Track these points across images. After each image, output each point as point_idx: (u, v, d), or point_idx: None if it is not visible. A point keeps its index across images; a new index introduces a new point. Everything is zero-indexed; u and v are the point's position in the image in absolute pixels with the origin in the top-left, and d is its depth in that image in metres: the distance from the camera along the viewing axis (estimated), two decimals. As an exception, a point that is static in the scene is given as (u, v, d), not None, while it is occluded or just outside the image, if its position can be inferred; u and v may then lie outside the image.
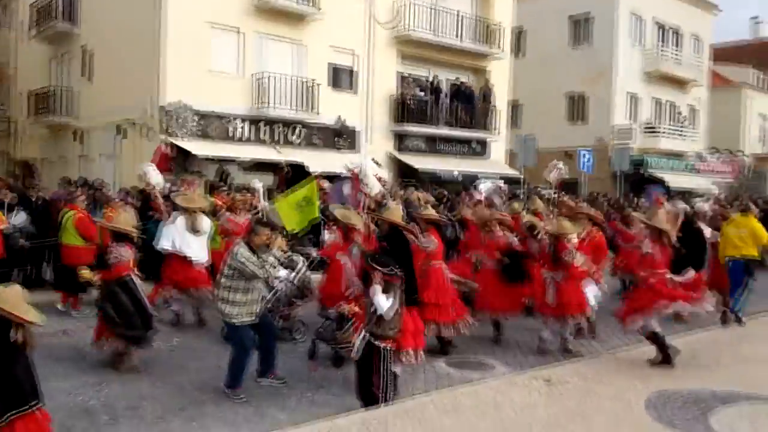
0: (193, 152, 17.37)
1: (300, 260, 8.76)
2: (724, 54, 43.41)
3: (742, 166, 36.56)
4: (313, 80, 20.06)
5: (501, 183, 12.67)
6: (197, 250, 9.46)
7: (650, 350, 8.37)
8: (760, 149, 39.10)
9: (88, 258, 9.68)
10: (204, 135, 18.12)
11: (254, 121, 19.15)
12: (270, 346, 6.96)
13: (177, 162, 17.55)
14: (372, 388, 5.86)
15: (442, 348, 8.21)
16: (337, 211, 9.20)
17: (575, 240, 8.71)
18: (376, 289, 5.78)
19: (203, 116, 18.10)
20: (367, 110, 21.88)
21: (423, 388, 6.89)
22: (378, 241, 7.05)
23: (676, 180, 30.43)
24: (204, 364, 7.57)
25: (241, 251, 6.53)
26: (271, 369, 6.97)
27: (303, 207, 9.64)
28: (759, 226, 10.29)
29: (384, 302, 5.72)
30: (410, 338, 6.48)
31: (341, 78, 21.49)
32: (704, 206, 13.00)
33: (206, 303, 9.24)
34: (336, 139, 20.96)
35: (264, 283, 7.58)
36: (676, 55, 33.02)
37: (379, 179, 8.03)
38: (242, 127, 18.95)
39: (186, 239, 9.37)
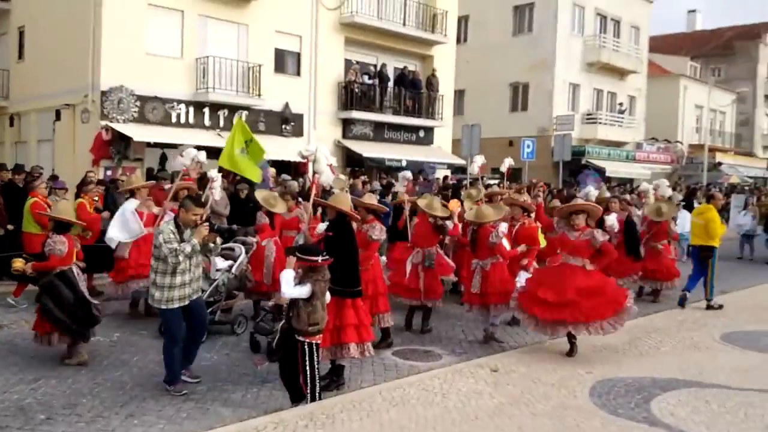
0: (133, 137, 16.86)
1: (240, 250, 8.58)
2: (661, 45, 44.76)
3: (679, 155, 37.77)
4: (258, 64, 19.71)
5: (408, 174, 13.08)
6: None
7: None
8: (696, 139, 40.46)
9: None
10: (144, 119, 17.60)
11: (197, 106, 18.71)
12: (195, 336, 6.57)
13: (116, 147, 17.02)
14: (298, 383, 5.70)
15: (384, 339, 8.01)
16: (258, 195, 9.04)
17: (504, 226, 8.71)
18: (285, 273, 5.61)
19: (143, 100, 17.57)
20: (313, 96, 21.65)
21: (371, 380, 6.86)
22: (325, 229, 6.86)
23: (615, 168, 31.26)
24: (145, 359, 7.34)
25: (164, 229, 6.15)
26: (188, 364, 6.65)
27: (246, 150, 9.30)
28: (713, 217, 10.55)
29: (289, 286, 5.53)
30: (353, 332, 6.34)
31: (287, 62, 21.20)
32: (649, 186, 13.38)
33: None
34: (282, 125, 20.67)
35: (204, 274, 7.37)
36: (616, 45, 33.75)
37: (331, 167, 7.71)
38: (184, 112, 18.48)
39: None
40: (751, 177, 41.31)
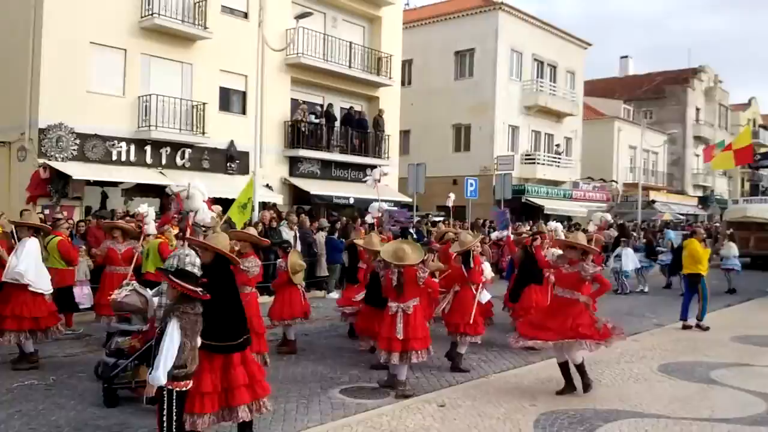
0: (72, 175, 16.49)
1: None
2: (595, 89, 46.59)
3: (614, 193, 39.07)
4: (202, 102, 19.67)
5: (385, 206, 13.04)
6: (45, 279, 8.60)
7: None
8: (630, 178, 41.97)
9: (71, 280, 10.58)
10: (84, 157, 17.27)
11: (138, 143, 18.47)
12: None
13: (54, 186, 16.60)
14: None
15: None
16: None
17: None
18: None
19: (83, 138, 17.26)
20: (258, 134, 21.60)
21: (317, 420, 6.77)
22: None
23: (553, 206, 32.13)
24: (83, 403, 7.07)
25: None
26: None
27: (245, 206, 9.71)
28: (695, 249, 12.35)
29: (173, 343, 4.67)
30: (244, 393, 5.52)
31: (232, 101, 21.24)
32: (558, 225, 13.78)
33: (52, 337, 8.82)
34: (227, 162, 20.57)
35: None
36: (553, 89, 34.99)
37: (207, 202, 7.24)
38: (125, 150, 18.22)
39: (39, 268, 8.51)
40: (683, 214, 42.99)
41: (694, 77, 50.70)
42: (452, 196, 14.34)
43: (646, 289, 18.02)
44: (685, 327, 12.29)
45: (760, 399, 7.57)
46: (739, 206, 27.84)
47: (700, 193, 50.86)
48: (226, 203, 17.26)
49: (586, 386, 7.61)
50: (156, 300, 7.52)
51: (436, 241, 12.46)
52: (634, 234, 22.38)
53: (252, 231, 8.38)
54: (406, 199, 23.69)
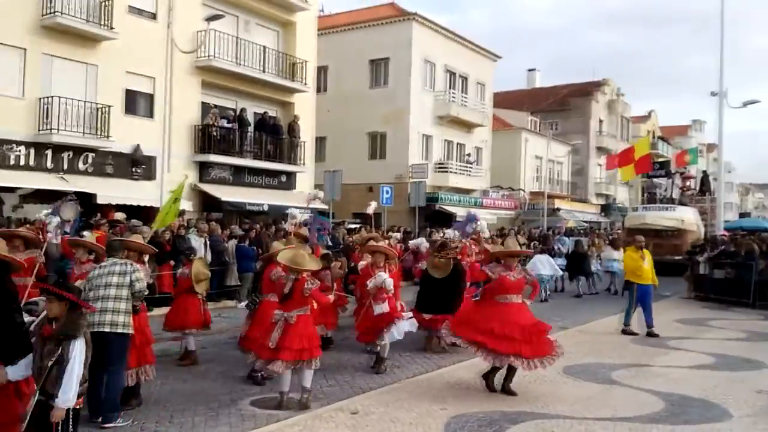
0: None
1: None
2: (504, 100, 48.04)
3: (521, 201, 40.38)
4: (107, 105, 18.91)
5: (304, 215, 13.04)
6: None
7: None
8: (536, 186, 43.48)
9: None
10: (-23, 161, 16.26)
11: (38, 147, 17.54)
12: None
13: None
14: None
15: (134, 395, 7.21)
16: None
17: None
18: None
19: (-24, 140, 16.25)
20: (166, 138, 21.01)
21: None
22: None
23: (465, 213, 32.78)
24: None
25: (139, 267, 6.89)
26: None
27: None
28: (627, 257, 13.03)
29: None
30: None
31: (138, 104, 20.50)
32: (451, 233, 14.11)
33: None
34: (132, 167, 19.83)
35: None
36: (464, 100, 35.83)
37: None
38: (24, 154, 17.26)
39: None
40: (586, 221, 44.88)
41: (597, 90, 53.06)
42: (374, 204, 14.59)
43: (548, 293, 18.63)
44: (650, 334, 12.27)
45: (658, 398, 7.96)
46: (638, 213, 29.19)
47: (602, 202, 53.18)
48: (130, 210, 16.78)
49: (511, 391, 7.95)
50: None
51: (360, 245, 12.49)
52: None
53: (136, 238, 8.01)
54: (322, 206, 23.58)
